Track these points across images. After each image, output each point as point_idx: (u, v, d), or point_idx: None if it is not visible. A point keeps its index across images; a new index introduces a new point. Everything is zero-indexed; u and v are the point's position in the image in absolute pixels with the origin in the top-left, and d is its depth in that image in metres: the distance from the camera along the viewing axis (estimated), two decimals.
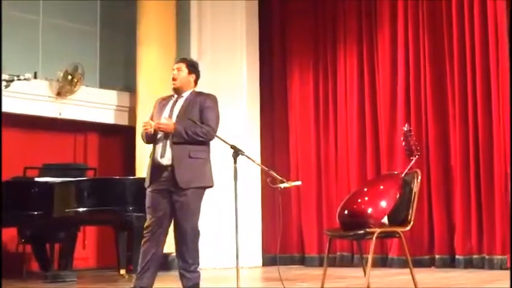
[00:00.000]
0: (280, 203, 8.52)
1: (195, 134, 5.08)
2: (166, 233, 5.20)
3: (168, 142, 5.11)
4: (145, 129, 5.14)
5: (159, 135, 5.15)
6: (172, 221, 5.17)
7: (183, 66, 5.33)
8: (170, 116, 5.18)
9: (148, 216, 5.17)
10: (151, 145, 5.25)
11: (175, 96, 5.31)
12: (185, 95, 5.29)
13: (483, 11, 8.47)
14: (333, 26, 10.07)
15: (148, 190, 5.19)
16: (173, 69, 5.35)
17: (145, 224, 5.17)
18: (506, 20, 8.24)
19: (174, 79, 5.30)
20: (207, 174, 5.20)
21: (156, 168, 5.15)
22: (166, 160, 5.10)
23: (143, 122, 5.23)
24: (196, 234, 5.15)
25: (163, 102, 5.36)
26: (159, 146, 5.14)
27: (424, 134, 8.85)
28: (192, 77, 5.34)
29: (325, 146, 9.95)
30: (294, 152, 10.29)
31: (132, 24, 10.18)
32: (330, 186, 9.80)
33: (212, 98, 5.35)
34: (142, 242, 5.17)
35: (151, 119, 5.24)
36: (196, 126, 5.08)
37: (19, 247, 8.44)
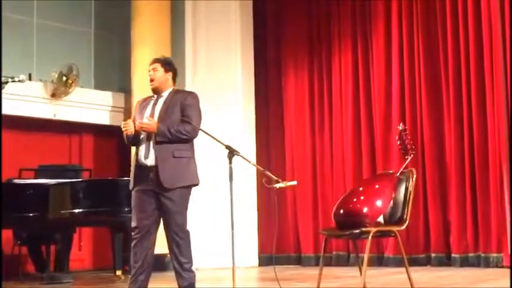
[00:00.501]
0: (276, 203, 8.53)
1: (178, 133, 5.06)
2: (156, 234, 5.19)
3: (152, 142, 5.07)
4: (125, 130, 5.10)
5: (141, 136, 5.12)
6: (162, 222, 5.17)
7: (158, 65, 5.27)
8: (152, 116, 5.14)
9: (134, 217, 5.13)
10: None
11: (155, 96, 5.28)
12: (165, 94, 5.25)
13: (477, 8, 8.48)
14: (327, 25, 10.07)
15: (133, 191, 5.16)
16: (149, 71, 5.28)
17: (132, 225, 5.13)
18: (500, 19, 8.25)
19: (151, 80, 5.24)
20: (192, 173, 5.16)
21: (140, 169, 5.11)
22: (150, 161, 5.06)
23: (122, 122, 5.19)
24: (186, 233, 5.14)
25: (143, 103, 5.33)
26: (143, 147, 5.11)
27: (419, 133, 8.87)
28: (169, 75, 5.29)
29: (321, 145, 9.96)
30: (290, 151, 10.29)
31: (127, 25, 10.18)
32: (325, 185, 9.81)
33: (193, 96, 5.33)
34: (132, 245, 5.13)
35: (133, 121, 5.22)
36: (179, 124, 5.06)
37: (15, 249, 8.43)
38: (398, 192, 4.90)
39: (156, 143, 5.05)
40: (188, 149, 5.16)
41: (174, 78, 5.33)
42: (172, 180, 5.03)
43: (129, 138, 5.17)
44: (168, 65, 5.31)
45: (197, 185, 5.23)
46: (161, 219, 5.14)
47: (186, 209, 5.16)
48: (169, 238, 5.10)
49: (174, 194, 5.04)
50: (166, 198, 5.04)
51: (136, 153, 5.16)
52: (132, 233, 5.14)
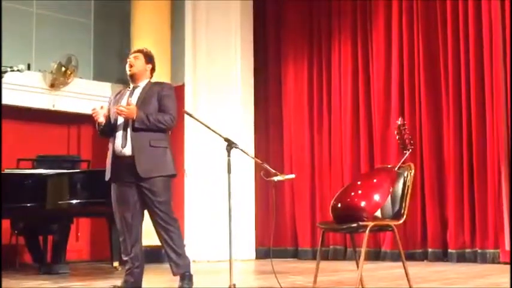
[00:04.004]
0: (274, 196, 8.53)
1: (156, 121, 5.06)
2: (141, 225, 5.18)
3: (129, 131, 5.07)
4: (94, 116, 5.08)
5: (118, 123, 5.11)
6: (148, 214, 5.17)
7: (140, 55, 5.30)
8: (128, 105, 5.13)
9: (116, 211, 5.14)
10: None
11: (132, 86, 5.28)
12: (141, 84, 5.26)
13: (477, 5, 8.47)
14: (327, 19, 10.06)
15: (112, 183, 5.16)
16: (129, 58, 5.31)
17: (116, 219, 5.14)
18: (501, 17, 8.23)
19: (130, 66, 5.26)
20: (169, 163, 5.16)
21: (117, 159, 5.10)
22: (127, 150, 5.06)
23: (91, 109, 5.18)
24: (174, 220, 5.14)
25: (118, 95, 5.34)
26: (119, 135, 5.09)
27: (418, 127, 8.87)
28: (149, 67, 5.32)
29: (319, 139, 9.96)
30: (288, 145, 10.29)
31: (126, 16, 10.17)
32: (323, 179, 9.82)
33: (169, 86, 5.40)
34: (120, 240, 5.15)
35: (107, 111, 5.20)
36: (158, 113, 5.08)
37: (12, 239, 8.43)
38: (396, 186, 4.89)
39: (134, 129, 5.04)
40: (164, 139, 5.17)
41: (152, 72, 5.36)
42: (148, 169, 5.03)
43: (100, 127, 5.16)
44: (149, 57, 5.35)
45: (174, 176, 5.23)
46: (145, 211, 5.15)
47: (170, 198, 5.16)
48: (159, 228, 5.10)
49: (153, 185, 5.04)
50: (148, 190, 5.04)
51: (113, 143, 5.13)
52: (118, 227, 5.15)
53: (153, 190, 5.04)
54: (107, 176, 5.16)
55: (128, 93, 5.25)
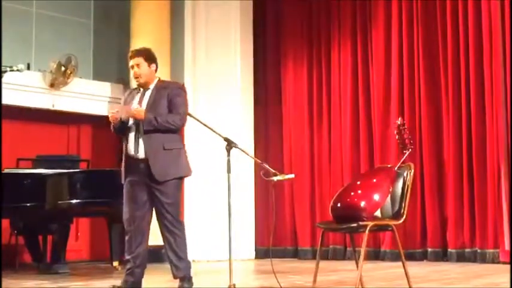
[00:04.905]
0: (274, 195, 8.53)
1: (165, 122, 5.05)
2: (149, 225, 5.18)
3: (140, 134, 5.07)
4: (112, 116, 5.07)
5: (129, 125, 5.11)
6: (155, 214, 5.18)
7: (141, 60, 5.20)
8: None
9: (126, 209, 5.14)
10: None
11: (142, 89, 5.27)
12: (151, 86, 5.24)
13: (477, 7, 8.47)
14: (327, 19, 10.06)
15: (125, 182, 5.16)
16: (132, 67, 5.23)
17: (125, 217, 5.14)
18: (501, 17, 8.23)
19: (136, 76, 5.21)
20: (183, 164, 5.17)
21: (131, 161, 5.12)
22: (140, 153, 5.07)
23: (109, 111, 5.17)
24: (180, 223, 5.15)
25: (130, 95, 5.32)
26: (131, 139, 5.11)
27: (418, 127, 8.87)
28: (153, 67, 5.26)
29: (319, 139, 9.95)
30: (288, 145, 10.29)
31: (126, 16, 10.16)
32: (323, 179, 9.81)
33: (179, 86, 5.40)
34: (126, 238, 5.15)
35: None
36: (167, 114, 5.07)
37: (12, 239, 8.42)
38: (396, 186, 4.89)
39: (144, 131, 5.04)
40: (178, 140, 5.17)
41: (156, 69, 5.31)
42: (164, 172, 5.04)
43: (115, 127, 5.17)
44: (150, 58, 5.25)
45: (189, 176, 5.23)
46: (153, 211, 5.15)
47: (179, 199, 5.17)
48: (164, 230, 5.11)
49: (166, 187, 5.05)
50: (159, 190, 5.05)
51: (126, 146, 5.15)
52: (125, 225, 5.15)
53: (162, 191, 5.05)
54: (123, 179, 5.17)
55: (139, 94, 5.24)
